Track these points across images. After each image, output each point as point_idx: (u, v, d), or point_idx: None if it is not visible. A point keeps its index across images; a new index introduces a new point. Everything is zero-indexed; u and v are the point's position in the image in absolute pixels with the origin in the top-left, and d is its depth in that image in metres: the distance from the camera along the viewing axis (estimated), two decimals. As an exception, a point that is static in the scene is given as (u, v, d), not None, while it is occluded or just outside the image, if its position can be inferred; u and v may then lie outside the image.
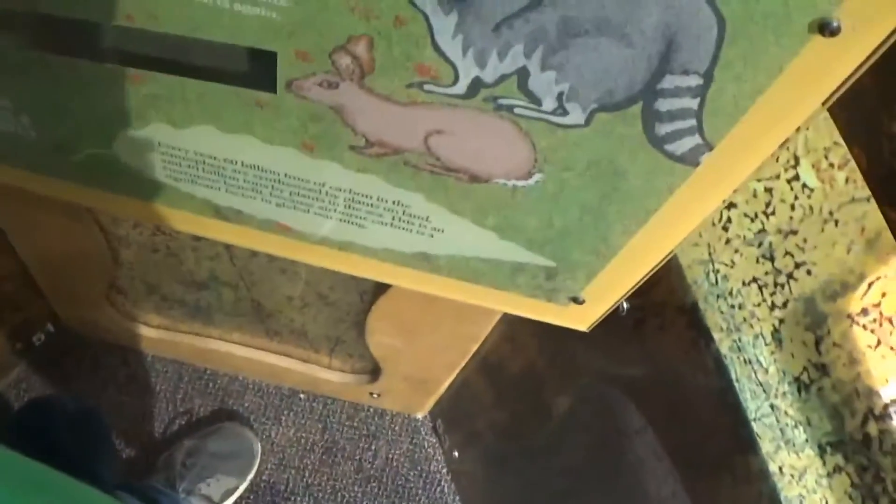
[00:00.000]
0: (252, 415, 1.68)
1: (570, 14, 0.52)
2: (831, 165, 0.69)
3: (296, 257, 0.86)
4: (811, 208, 0.71)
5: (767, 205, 0.76)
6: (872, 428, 0.71)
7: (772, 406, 0.81)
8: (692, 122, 0.58)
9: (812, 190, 0.71)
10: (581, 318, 0.88)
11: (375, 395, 1.66)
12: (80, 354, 1.65)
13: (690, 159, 0.61)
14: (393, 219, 0.75)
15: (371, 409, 1.73)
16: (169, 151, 0.75)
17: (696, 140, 0.59)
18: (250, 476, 1.64)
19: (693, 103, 0.56)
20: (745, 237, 0.79)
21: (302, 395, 1.70)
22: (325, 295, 1.38)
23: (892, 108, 0.64)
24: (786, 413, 0.80)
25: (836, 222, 0.69)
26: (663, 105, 0.57)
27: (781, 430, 0.80)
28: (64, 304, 1.59)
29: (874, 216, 0.66)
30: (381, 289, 1.33)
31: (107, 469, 1.49)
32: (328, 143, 0.68)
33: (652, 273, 0.77)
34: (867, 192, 0.67)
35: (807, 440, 0.78)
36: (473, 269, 0.81)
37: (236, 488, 1.63)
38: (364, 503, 1.70)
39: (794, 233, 0.73)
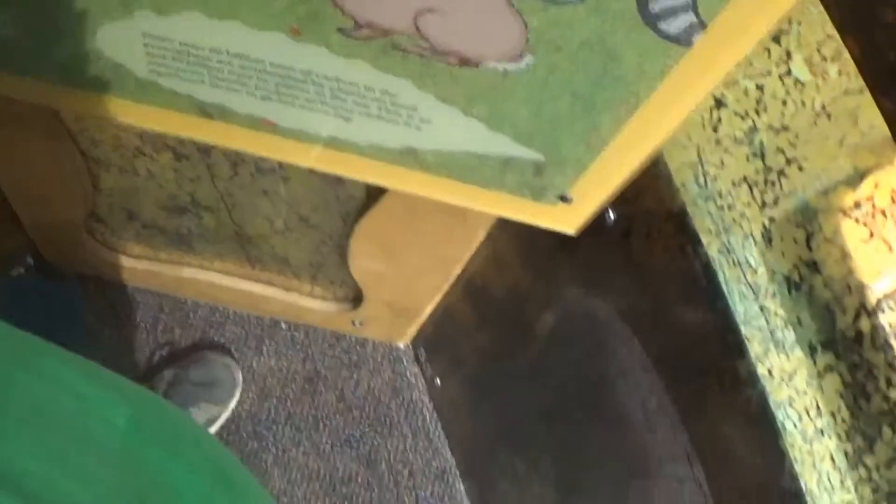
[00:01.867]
0: (233, 345, 1.68)
1: None
2: (824, 58, 0.68)
3: (280, 157, 0.85)
4: (803, 103, 0.71)
5: (758, 102, 0.75)
6: (865, 324, 0.71)
7: (761, 308, 0.81)
8: (687, -3, 0.57)
9: (804, 84, 0.70)
10: (569, 220, 0.87)
11: (357, 324, 1.66)
12: (58, 287, 1.63)
13: (684, 39, 0.60)
14: (380, 109, 0.74)
15: (353, 339, 1.73)
16: (153, 43, 0.74)
17: (689, 18, 0.58)
18: (232, 405, 1.64)
19: (688, -23, 0.55)
20: (735, 136, 0.78)
21: (283, 325, 1.70)
22: (306, 217, 1.37)
23: (885, -5, 0.63)
24: (775, 314, 0.80)
25: (829, 116, 0.69)
26: (658, -22, 0.56)
27: (771, 331, 0.80)
28: (43, 234, 1.57)
29: (868, 107, 0.66)
30: (363, 210, 1.32)
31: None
32: (316, 27, 0.67)
33: (641, 170, 0.77)
34: (861, 83, 0.66)
35: (797, 340, 0.78)
36: (461, 166, 0.80)
37: (218, 416, 1.62)
38: (346, 432, 1.70)
39: (786, 129, 0.73)
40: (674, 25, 0.59)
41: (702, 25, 0.58)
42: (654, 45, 0.61)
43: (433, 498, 1.72)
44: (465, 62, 0.66)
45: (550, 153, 0.76)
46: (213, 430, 1.61)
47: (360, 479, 1.69)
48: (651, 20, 0.59)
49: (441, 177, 0.83)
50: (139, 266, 1.55)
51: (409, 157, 0.81)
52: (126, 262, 1.54)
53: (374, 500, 1.69)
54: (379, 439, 1.72)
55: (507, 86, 0.68)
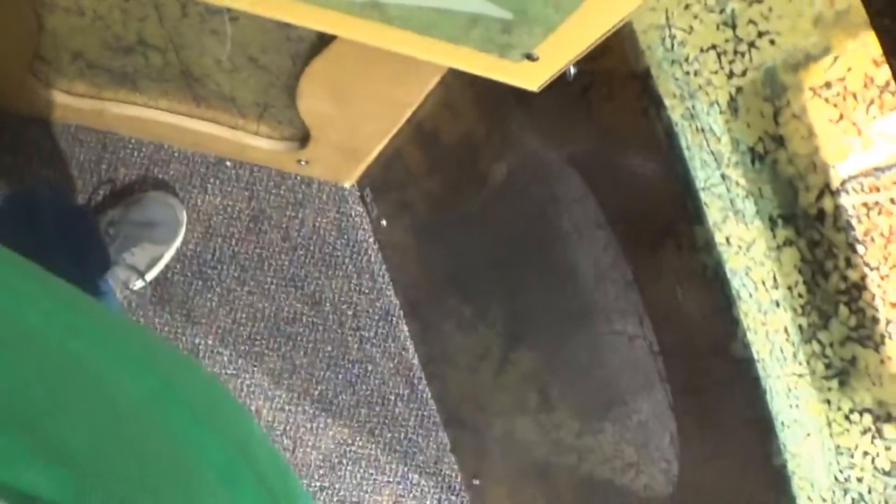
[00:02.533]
0: (178, 183, 1.64)
1: None
2: (807, -72, 0.66)
3: (243, 6, 0.80)
4: (782, -27, 0.68)
5: (735, -33, 0.73)
6: (828, 203, 0.70)
7: (723, 176, 0.80)
8: None
9: (785, -50, 0.68)
10: (532, 77, 0.85)
11: (303, 163, 1.63)
12: (2, 129, 1.57)
13: None
14: (346, -38, 0.70)
15: (298, 178, 1.71)
16: None
17: None
18: (176, 244, 1.62)
19: None
20: (706, 3, 0.76)
21: (228, 163, 1.66)
22: (255, 58, 1.33)
23: None
24: (737, 184, 0.79)
25: (807, -12, 0.67)
26: None
27: (731, 200, 0.80)
28: (-16, 76, 1.51)
29: None
30: (314, 51, 1.28)
31: (97, 271, 1.47)
32: None
33: (610, 32, 0.75)
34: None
35: (757, 212, 0.78)
36: (426, 20, 0.77)
37: (161, 256, 1.61)
38: (291, 271, 1.70)
39: (759, 1, 0.71)
40: None
41: None
42: None
43: (377, 338, 1.74)
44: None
45: (519, 12, 0.73)
46: (156, 270, 1.60)
47: (304, 320, 1.70)
48: None
49: (403, 30, 0.80)
50: (83, 105, 1.50)
51: (373, 10, 0.77)
52: (70, 101, 1.48)
53: (319, 340, 1.71)
54: (323, 279, 1.72)
55: (480, -56, 0.64)
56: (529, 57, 0.81)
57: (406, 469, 1.75)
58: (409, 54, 0.86)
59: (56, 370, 0.56)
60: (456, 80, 1.25)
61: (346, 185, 1.74)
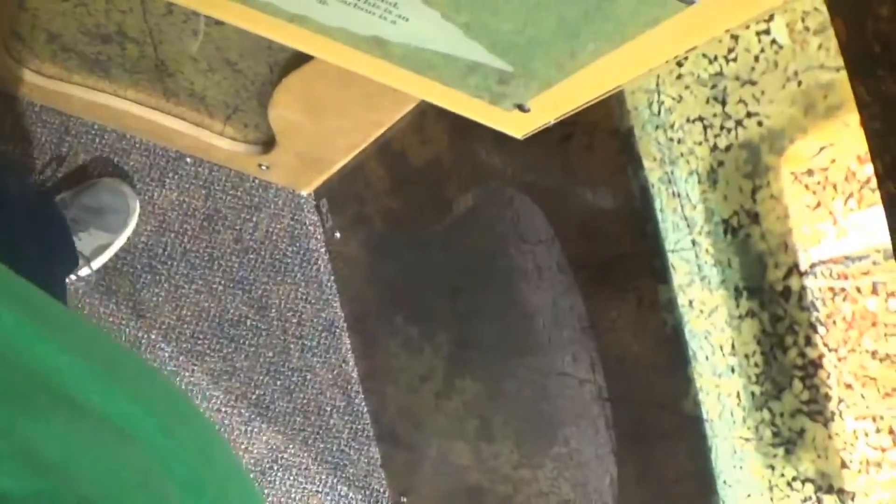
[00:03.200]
0: (136, 174, 1.64)
1: None
2: (807, 29, 0.68)
3: (239, 23, 0.82)
4: (776, 64, 0.71)
5: (730, 51, 0.75)
6: (795, 282, 0.74)
7: (693, 241, 0.83)
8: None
9: (781, 47, 0.71)
10: (519, 126, 0.87)
11: (264, 167, 1.64)
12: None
13: (687, -6, 0.60)
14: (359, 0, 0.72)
15: (256, 181, 1.71)
16: None
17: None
18: (126, 233, 1.61)
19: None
20: (699, 76, 0.79)
21: (189, 160, 1.66)
22: (233, 62, 1.33)
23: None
24: (707, 251, 0.82)
25: (800, 83, 0.70)
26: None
27: (699, 266, 0.83)
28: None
29: (842, 86, 0.67)
30: (293, 64, 1.29)
31: (65, 270, 1.45)
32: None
33: (607, 95, 0.77)
34: (839, 63, 0.67)
35: (723, 281, 0.81)
36: (426, 61, 0.79)
37: (110, 244, 1.59)
38: (240, 273, 1.70)
39: (753, 83, 0.74)
40: (681, -20, 0.59)
41: (709, -16, 0.58)
42: (656, -7, 0.61)
43: (318, 348, 1.75)
44: (459, -27, 0.65)
45: (521, 67, 0.76)
46: (104, 258, 1.59)
47: (248, 323, 1.70)
48: (660, -29, 0.59)
49: (400, 67, 0.82)
50: (51, 86, 1.49)
51: (374, 46, 0.79)
52: (39, 80, 1.47)
53: (261, 345, 1.71)
54: (271, 285, 1.72)
55: (494, 1, 0.67)
56: (521, 108, 0.83)
57: (335, 480, 1.76)
58: (401, 90, 0.88)
59: (26, 377, 0.56)
60: (432, 108, 1.27)
61: (304, 193, 1.74)
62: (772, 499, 0.81)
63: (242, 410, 1.70)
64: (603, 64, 0.71)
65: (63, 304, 0.70)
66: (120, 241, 1.61)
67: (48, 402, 0.56)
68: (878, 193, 0.64)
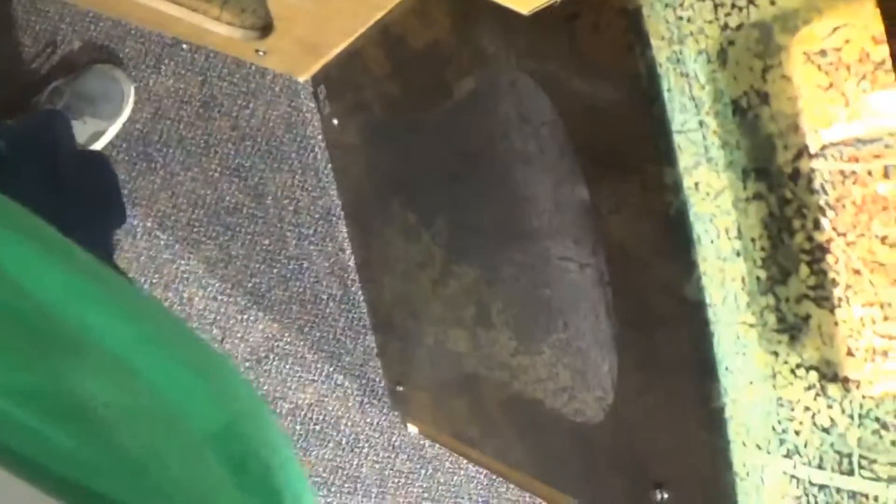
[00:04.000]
0: (131, 61, 1.60)
1: None
2: None
3: None
4: (794, -64, 0.69)
5: (745, -80, 0.73)
6: (804, 164, 0.72)
7: (700, 122, 0.82)
8: None
9: (799, -83, 0.68)
10: (525, 2, 0.85)
11: (261, 53, 1.60)
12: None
13: None
14: None
15: (253, 67, 1.68)
16: None
17: None
18: (120, 120, 1.59)
19: None
20: (710, -51, 0.76)
21: (185, 46, 1.63)
22: (228, -61, 1.30)
23: None
24: (714, 132, 0.80)
25: (817, -43, 0.67)
26: None
27: (706, 147, 0.81)
28: None
29: None
30: (292, -59, 1.26)
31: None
32: None
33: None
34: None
35: (731, 162, 0.79)
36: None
37: (104, 132, 1.57)
38: (236, 161, 1.68)
39: (766, -41, 0.71)
40: None
41: None
42: None
43: (315, 236, 1.74)
44: None
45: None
46: (98, 145, 1.57)
47: (245, 211, 1.69)
48: None
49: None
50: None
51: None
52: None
53: (257, 233, 1.70)
54: (268, 172, 1.71)
55: None
56: (529, -20, 0.81)
57: (331, 369, 1.77)
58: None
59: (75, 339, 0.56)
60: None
61: (301, 79, 1.71)
62: (774, 386, 0.81)
63: (238, 299, 1.69)
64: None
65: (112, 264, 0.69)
66: (115, 129, 1.59)
67: (96, 363, 0.56)
68: (892, 75, 0.63)
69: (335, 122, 1.68)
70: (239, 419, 0.63)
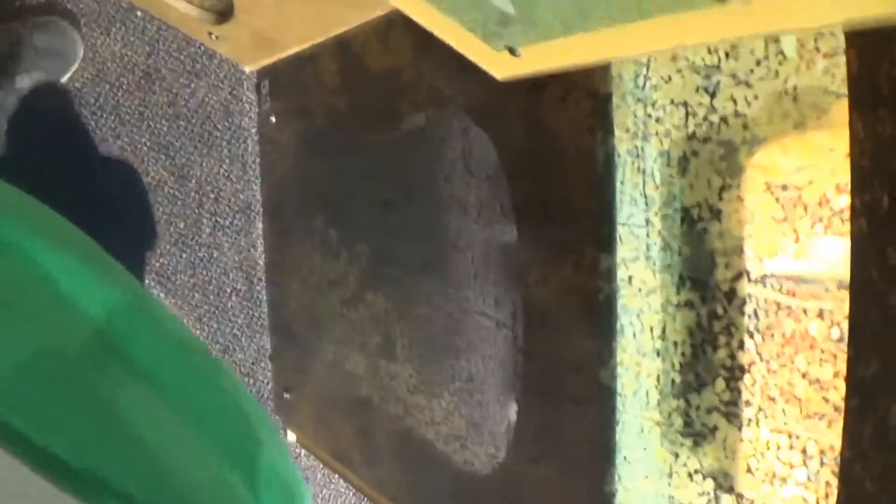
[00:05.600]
0: (84, 18, 1.57)
1: None
2: (817, 49, 0.68)
3: None
4: (777, 74, 0.71)
5: (733, 47, 0.75)
6: (742, 287, 0.75)
7: (647, 220, 0.84)
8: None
9: (786, 58, 0.70)
10: (503, 68, 0.86)
11: (214, 37, 1.58)
12: None
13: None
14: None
15: (202, 48, 1.66)
16: None
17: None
18: (64, 78, 1.56)
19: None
20: (694, 63, 0.78)
21: (139, 13, 1.60)
22: (208, -78, 1.28)
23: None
24: (658, 233, 0.83)
25: (796, 99, 0.69)
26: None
27: (648, 245, 0.84)
28: None
29: (838, 114, 0.66)
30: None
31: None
32: None
33: (601, 61, 0.76)
34: (842, 91, 0.67)
35: (669, 266, 0.82)
36: (430, -11, 0.77)
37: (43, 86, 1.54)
38: (167, 138, 1.66)
39: (749, 85, 0.73)
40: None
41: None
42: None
43: (230, 228, 1.72)
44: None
45: (525, 13, 0.74)
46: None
47: (166, 190, 1.67)
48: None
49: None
50: None
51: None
52: None
53: (174, 214, 1.68)
54: (196, 156, 1.69)
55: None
56: (512, 51, 0.82)
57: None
58: (393, 4, 0.85)
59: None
60: (402, 20, 1.24)
61: (247, 70, 1.70)
62: (669, 484, 0.83)
63: (144, 276, 1.67)
64: (609, 33, 0.70)
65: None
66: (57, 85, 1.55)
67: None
68: (847, 225, 0.66)
69: (273, 119, 1.67)
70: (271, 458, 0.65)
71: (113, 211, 1.59)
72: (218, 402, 0.67)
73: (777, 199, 0.71)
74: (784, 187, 0.70)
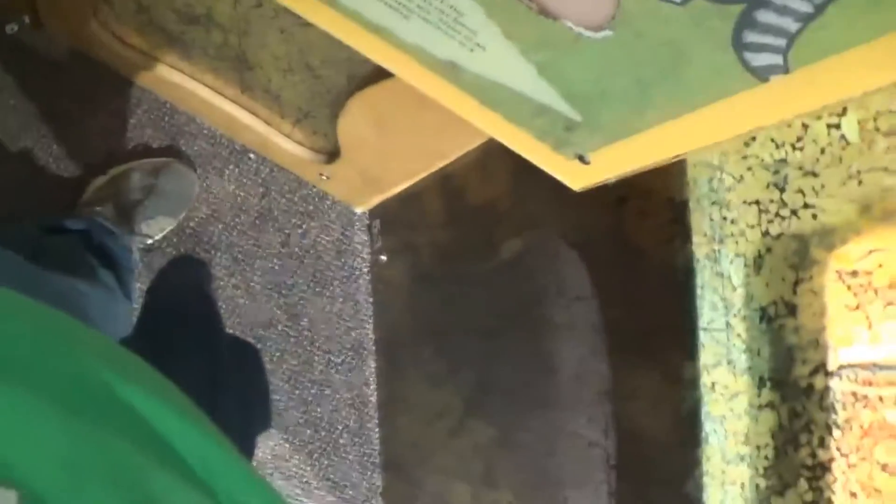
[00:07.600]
0: (199, 159, 1.65)
1: None
2: (877, 129, 0.68)
3: (325, 26, 0.83)
4: (841, 160, 0.70)
5: (799, 139, 0.75)
6: (819, 381, 0.72)
7: (727, 324, 0.82)
8: (783, 42, 0.56)
9: (848, 143, 0.70)
10: (577, 177, 0.87)
11: (324, 178, 1.65)
12: (47, 53, 1.58)
13: (761, 74, 0.60)
14: (440, 21, 0.72)
15: (314, 190, 1.72)
16: None
17: (776, 59, 0.58)
18: (181, 217, 1.62)
19: (793, 26, 0.55)
20: (763, 160, 0.78)
21: (252, 156, 1.68)
22: (313, 67, 1.35)
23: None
24: (738, 336, 0.81)
25: (861, 182, 0.69)
26: (763, 16, 0.55)
27: (728, 348, 0.82)
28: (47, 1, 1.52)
29: None
30: (372, 79, 1.30)
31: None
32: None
33: (670, 161, 0.77)
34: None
35: (750, 368, 0.80)
36: (495, 96, 0.79)
37: (166, 228, 1.61)
38: (280, 278, 1.71)
39: (815, 175, 0.73)
40: (758, 59, 0.58)
41: (785, 70, 0.58)
42: (732, 68, 0.60)
43: (343, 366, 1.75)
44: (544, 12, 0.65)
45: (589, 117, 0.76)
46: (158, 237, 1.59)
47: (279, 328, 1.71)
48: (739, 47, 0.58)
49: (470, 96, 0.83)
50: (132, 57, 1.51)
51: (448, 70, 0.79)
52: (120, 48, 1.50)
53: (286, 352, 1.71)
54: (309, 294, 1.73)
55: (576, 48, 0.67)
56: (582, 159, 0.83)
57: (333, 500, 1.75)
58: (466, 118, 0.88)
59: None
60: (497, 147, 1.27)
61: (358, 210, 1.75)
62: None
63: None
64: (669, 128, 0.71)
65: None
66: (173, 226, 1.62)
67: None
68: (920, 306, 0.63)
69: (383, 257, 1.71)
70: None
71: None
72: None
73: (849, 287, 0.69)
74: (854, 273, 0.69)
